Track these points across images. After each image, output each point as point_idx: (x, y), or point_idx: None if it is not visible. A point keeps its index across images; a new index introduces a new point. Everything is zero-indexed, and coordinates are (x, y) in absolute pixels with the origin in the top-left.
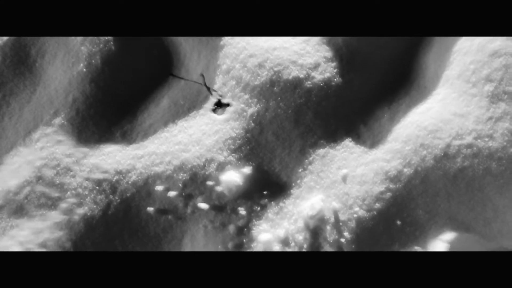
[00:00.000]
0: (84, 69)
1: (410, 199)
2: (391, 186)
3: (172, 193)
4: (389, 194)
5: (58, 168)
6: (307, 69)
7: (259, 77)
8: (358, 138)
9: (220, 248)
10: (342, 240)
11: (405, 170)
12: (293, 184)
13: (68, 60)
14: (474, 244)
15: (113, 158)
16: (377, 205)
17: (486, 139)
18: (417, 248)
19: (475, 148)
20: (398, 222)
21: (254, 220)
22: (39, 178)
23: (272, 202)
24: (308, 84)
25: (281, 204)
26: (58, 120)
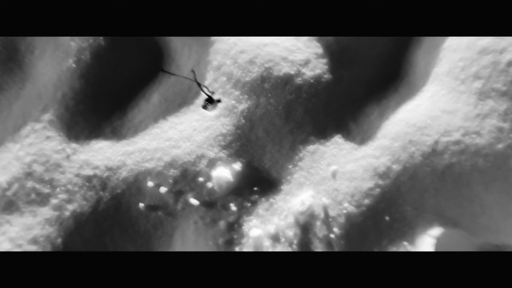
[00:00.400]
0: (74, 65)
1: (399, 195)
2: (380, 182)
3: (162, 189)
4: (378, 190)
5: (48, 165)
6: (298, 66)
7: (250, 73)
8: (347, 135)
9: (210, 244)
10: (332, 235)
11: (394, 166)
12: (283, 180)
13: (58, 56)
14: (460, 240)
15: (103, 154)
16: (366, 201)
17: (474, 136)
18: (405, 244)
19: (462, 144)
20: (387, 218)
21: (244, 216)
22: (29, 175)
23: (263, 198)
24: (298, 80)
25: (271, 200)
26: (47, 116)
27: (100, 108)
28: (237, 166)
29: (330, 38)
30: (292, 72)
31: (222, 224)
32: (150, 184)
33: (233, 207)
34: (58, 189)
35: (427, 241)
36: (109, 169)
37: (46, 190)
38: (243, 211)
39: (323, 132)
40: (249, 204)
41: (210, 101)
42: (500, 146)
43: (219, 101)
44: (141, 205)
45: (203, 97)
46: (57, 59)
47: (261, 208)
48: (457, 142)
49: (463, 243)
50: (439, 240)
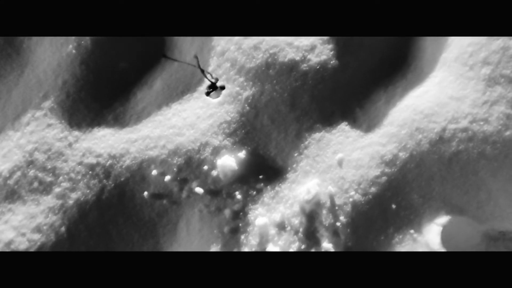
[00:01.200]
0: (74, 51)
1: (405, 183)
2: (387, 170)
3: (167, 178)
4: (384, 178)
5: (50, 153)
6: (303, 51)
7: (254, 60)
8: (354, 122)
9: (215, 233)
10: (338, 224)
11: (401, 154)
12: (289, 169)
13: (57, 41)
14: (466, 227)
15: (106, 142)
16: (373, 189)
17: (481, 123)
18: (412, 232)
19: (470, 132)
20: (393, 206)
21: (250, 205)
22: (31, 163)
23: (268, 187)
24: (304, 66)
25: (277, 188)
26: (47, 103)
27: (101, 95)
28: (242, 154)
29: None
30: (298, 58)
31: (227, 212)
32: (154, 172)
33: (238, 195)
34: (61, 178)
35: (433, 229)
36: (112, 157)
37: (48, 178)
38: (249, 200)
39: (329, 120)
40: (254, 193)
41: (214, 88)
42: (508, 133)
43: (223, 87)
44: (146, 193)
45: (206, 83)
46: (56, 44)
47: (266, 197)
48: (464, 129)
49: (468, 230)
50: (444, 228)
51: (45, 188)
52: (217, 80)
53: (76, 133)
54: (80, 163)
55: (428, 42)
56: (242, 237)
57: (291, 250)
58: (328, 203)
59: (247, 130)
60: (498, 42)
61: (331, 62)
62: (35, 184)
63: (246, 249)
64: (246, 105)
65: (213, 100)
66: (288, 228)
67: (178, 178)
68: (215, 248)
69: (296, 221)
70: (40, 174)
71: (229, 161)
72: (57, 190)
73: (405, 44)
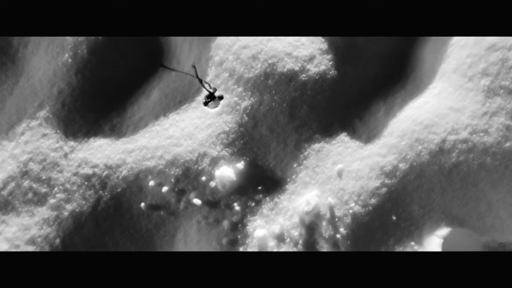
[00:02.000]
0: (70, 60)
1: (405, 194)
2: (387, 181)
3: (164, 189)
4: (384, 190)
5: (45, 163)
6: (302, 62)
7: (253, 70)
8: (353, 133)
9: (214, 245)
10: (338, 236)
11: (401, 165)
12: (288, 180)
13: (53, 50)
14: (467, 239)
15: (102, 153)
16: (373, 201)
17: (481, 134)
18: (412, 244)
19: (470, 143)
20: (393, 218)
21: (248, 216)
22: (25, 173)
23: (267, 198)
24: (303, 77)
25: (276, 199)
26: (43, 113)
27: (98, 104)
28: (241, 164)
29: None
30: (297, 68)
31: (225, 224)
32: (151, 183)
33: (236, 206)
34: (56, 189)
35: (434, 241)
36: (109, 167)
37: (43, 189)
38: (247, 211)
39: (328, 130)
40: (253, 204)
41: (212, 98)
42: (508, 144)
43: (221, 97)
44: (143, 204)
45: (204, 93)
46: (52, 53)
47: (265, 208)
48: (464, 141)
49: (468, 242)
50: (445, 239)
51: (40, 199)
52: (215, 90)
53: (71, 143)
54: (75, 174)
55: (427, 53)
56: (241, 249)
57: None
58: (327, 215)
59: (246, 140)
60: (497, 53)
61: (330, 72)
62: (30, 195)
63: None
64: (244, 115)
65: (211, 110)
66: (288, 240)
67: (176, 189)
68: None
69: (295, 233)
70: (34, 185)
71: (227, 172)
72: (52, 201)
73: (404, 55)
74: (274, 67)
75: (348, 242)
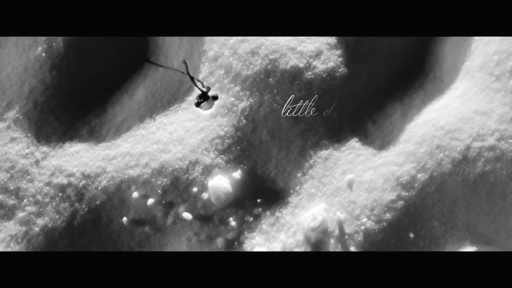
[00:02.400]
0: (43, 53)
1: (425, 208)
2: (403, 193)
3: (150, 201)
4: (401, 203)
5: (13, 171)
6: (308, 58)
7: (252, 66)
8: (365, 138)
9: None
10: None
11: (419, 175)
12: (291, 191)
13: (24, 43)
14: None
15: (79, 160)
16: (387, 216)
17: (510, 141)
18: None
19: (498, 150)
20: (411, 235)
21: (246, 233)
22: None
23: (267, 212)
24: (308, 75)
25: (277, 214)
26: (11, 114)
27: (75, 104)
28: (237, 174)
29: None
30: (301, 65)
31: (219, 241)
32: (135, 194)
33: (232, 222)
34: (25, 200)
35: None
36: (86, 176)
37: (11, 201)
38: (244, 227)
39: (337, 135)
40: (251, 219)
41: (205, 98)
42: None
43: (215, 98)
44: (125, 219)
45: (196, 93)
46: (23, 46)
47: (265, 223)
48: (491, 148)
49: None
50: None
51: (7, 213)
52: (208, 89)
53: (44, 148)
54: (48, 184)
55: (448, 49)
56: None
57: None
58: (336, 231)
59: (243, 146)
60: None
61: (340, 70)
62: None
63: None
64: (242, 118)
65: (204, 112)
66: None
67: (163, 202)
68: None
69: None
70: (1, 196)
71: (222, 182)
72: (20, 215)
73: (422, 51)
74: (276, 64)
75: None
